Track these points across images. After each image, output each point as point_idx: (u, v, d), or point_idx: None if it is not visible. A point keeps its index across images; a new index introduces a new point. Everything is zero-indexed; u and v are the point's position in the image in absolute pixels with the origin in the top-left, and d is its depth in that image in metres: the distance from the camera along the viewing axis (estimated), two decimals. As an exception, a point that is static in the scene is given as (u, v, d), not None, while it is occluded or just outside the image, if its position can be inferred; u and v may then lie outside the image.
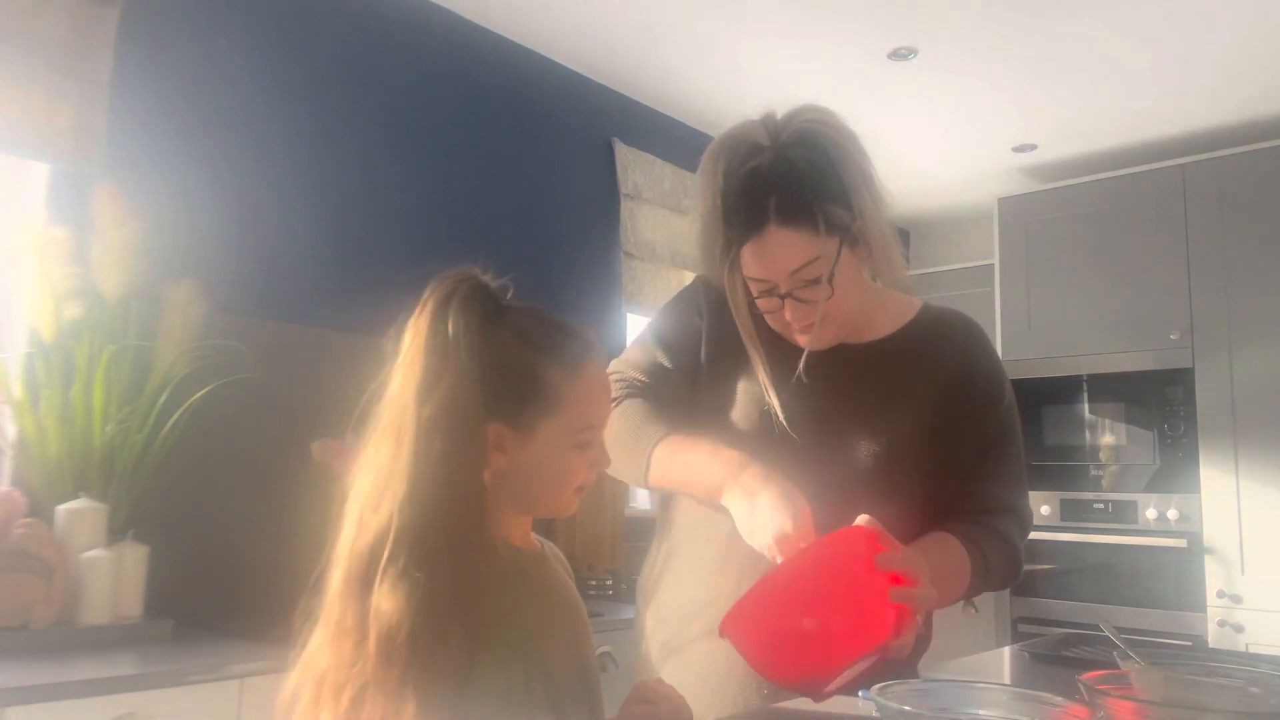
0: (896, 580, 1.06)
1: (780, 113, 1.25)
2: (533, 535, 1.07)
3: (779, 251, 1.20)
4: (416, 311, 0.95)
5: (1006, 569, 1.30)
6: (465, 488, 0.92)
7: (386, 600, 0.86)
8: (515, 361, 0.95)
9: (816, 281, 1.21)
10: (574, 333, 1.00)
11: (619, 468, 1.30)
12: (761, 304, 1.26)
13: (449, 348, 0.92)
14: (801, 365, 1.28)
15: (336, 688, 0.87)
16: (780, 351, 1.31)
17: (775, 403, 1.27)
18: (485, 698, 0.88)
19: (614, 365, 1.40)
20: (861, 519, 1.09)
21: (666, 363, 1.37)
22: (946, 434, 1.31)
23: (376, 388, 0.95)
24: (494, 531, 0.97)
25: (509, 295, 0.99)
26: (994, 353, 1.39)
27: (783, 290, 1.22)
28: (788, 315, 1.24)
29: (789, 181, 1.19)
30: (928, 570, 1.09)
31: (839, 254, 1.21)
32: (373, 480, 0.92)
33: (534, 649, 0.93)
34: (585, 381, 0.99)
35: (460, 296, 0.94)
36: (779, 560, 1.11)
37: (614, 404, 1.32)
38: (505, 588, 0.94)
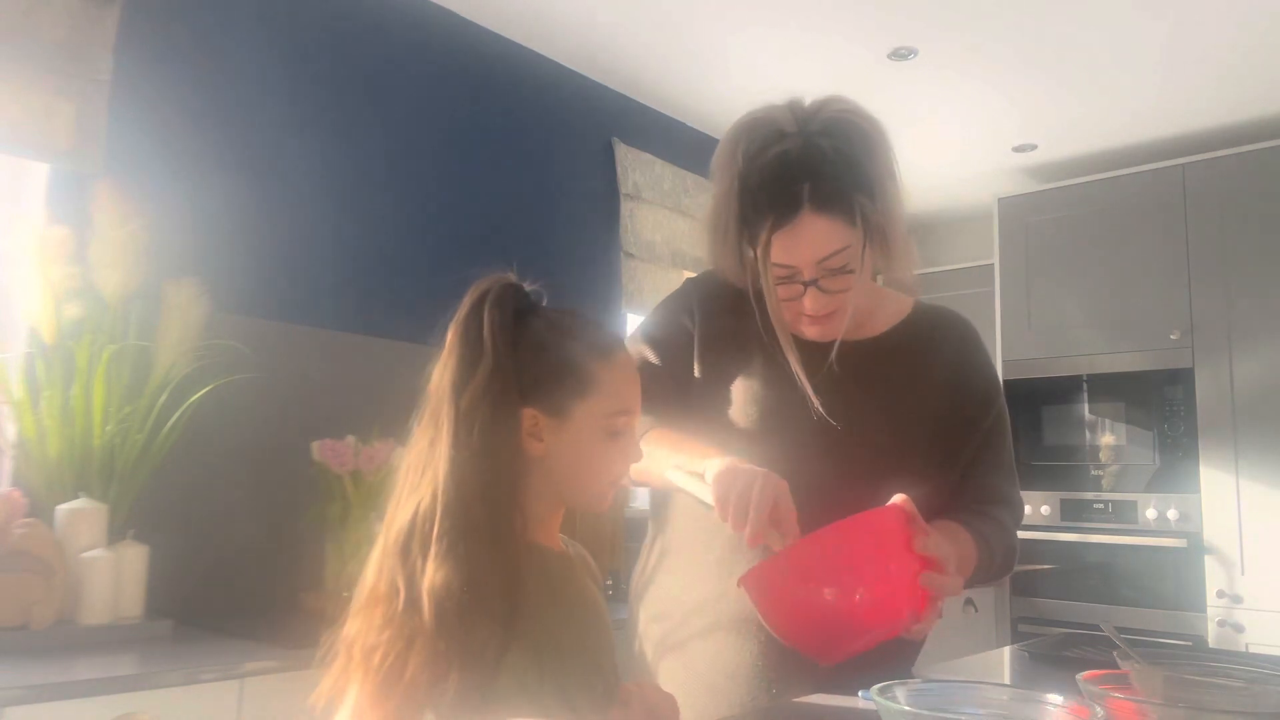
0: (927, 564, 1.06)
1: (807, 100, 1.24)
2: (559, 537, 1.08)
3: (811, 238, 1.18)
4: (456, 314, 1.01)
5: (1006, 558, 1.33)
6: (502, 469, 0.97)
7: (439, 571, 0.91)
8: (548, 348, 1.00)
9: (842, 271, 1.21)
10: (604, 326, 1.05)
11: None
12: (780, 291, 1.24)
13: (484, 341, 0.97)
14: (834, 355, 1.28)
15: (367, 651, 0.90)
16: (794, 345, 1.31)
17: (809, 391, 1.25)
18: (513, 682, 0.91)
19: None
20: (897, 497, 1.09)
21: (655, 360, 1.36)
22: (947, 429, 1.32)
23: (421, 388, 1.01)
24: (525, 530, 0.99)
25: (543, 301, 1.05)
26: (986, 350, 1.42)
27: (806, 278, 1.21)
28: (808, 304, 1.23)
29: (823, 169, 1.18)
30: (955, 559, 1.09)
31: (864, 245, 1.21)
32: (412, 465, 0.98)
33: (552, 649, 0.96)
34: (616, 366, 1.03)
35: (494, 294, 0.99)
36: (748, 534, 1.08)
37: None
38: (532, 584, 0.96)
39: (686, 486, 1.20)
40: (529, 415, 0.99)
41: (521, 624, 0.93)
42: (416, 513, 0.95)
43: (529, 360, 0.99)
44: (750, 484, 1.08)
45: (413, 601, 0.91)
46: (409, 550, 0.94)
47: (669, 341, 1.37)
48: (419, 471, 0.97)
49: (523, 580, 0.95)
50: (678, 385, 1.35)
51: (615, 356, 1.03)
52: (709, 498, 1.13)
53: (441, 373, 0.99)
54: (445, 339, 1.01)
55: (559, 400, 0.99)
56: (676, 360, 1.36)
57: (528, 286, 1.03)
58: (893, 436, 1.29)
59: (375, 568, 0.96)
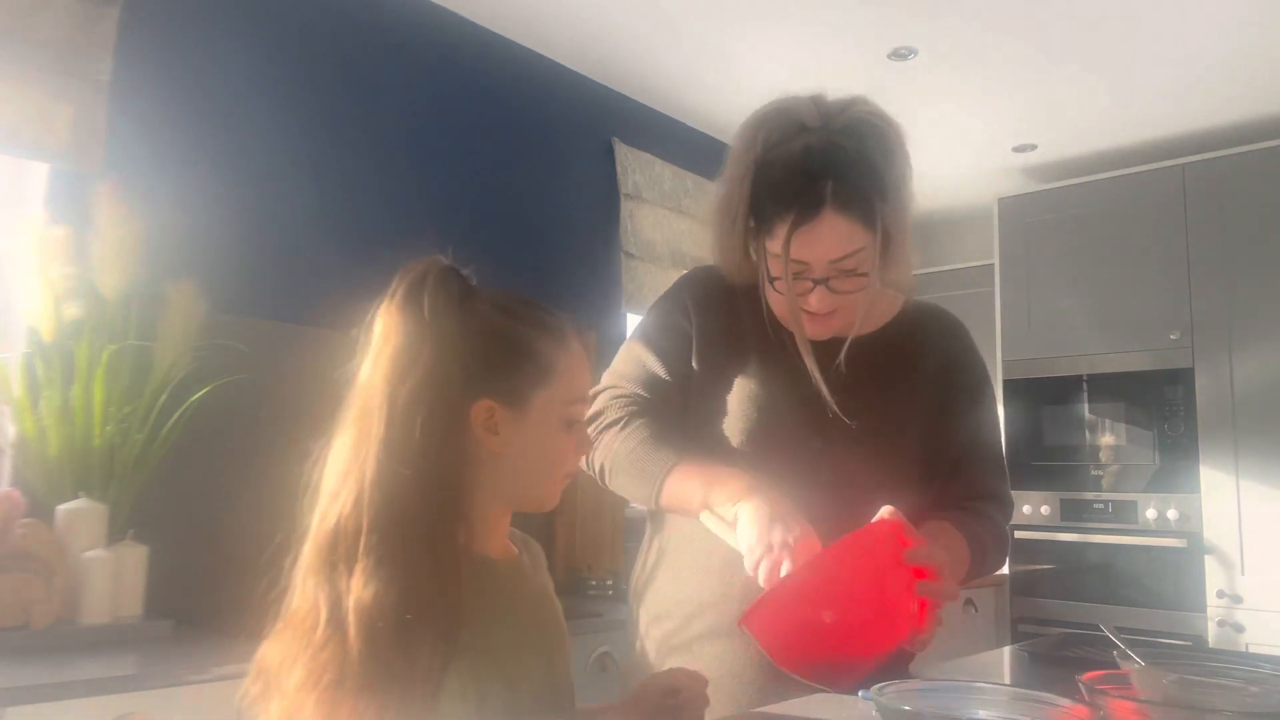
0: (921, 574, 1.06)
1: (830, 96, 1.23)
2: (510, 540, 1.03)
3: (830, 237, 1.17)
4: (387, 298, 0.92)
5: (998, 554, 1.33)
6: (446, 471, 0.88)
7: (367, 589, 0.82)
8: (501, 333, 0.93)
9: (852, 273, 1.20)
10: (548, 308, 0.99)
11: (630, 491, 1.30)
12: (784, 286, 1.23)
13: (425, 327, 0.89)
14: (844, 354, 1.27)
15: (294, 683, 0.81)
16: (780, 343, 1.31)
17: (825, 390, 1.24)
18: (456, 703, 0.85)
19: (608, 379, 1.38)
20: (885, 510, 1.09)
21: (663, 374, 1.35)
22: (938, 424, 1.33)
23: (342, 379, 0.92)
24: (471, 540, 0.92)
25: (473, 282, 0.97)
26: (975, 345, 1.42)
27: (816, 275, 1.20)
28: (813, 301, 1.22)
29: (847, 169, 1.17)
30: (949, 564, 1.09)
31: (877, 248, 1.21)
32: (333, 470, 0.89)
33: (498, 669, 0.90)
34: (571, 351, 0.97)
35: (434, 277, 0.91)
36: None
37: (618, 425, 1.30)
38: (478, 602, 0.89)
39: (722, 535, 1.21)
40: (484, 407, 0.91)
41: (464, 645, 0.85)
42: (339, 522, 0.85)
43: (480, 347, 0.90)
44: (772, 542, 1.10)
45: (337, 623, 0.82)
46: (333, 565, 0.84)
47: (672, 351, 1.35)
48: (343, 477, 0.87)
49: (466, 596, 0.86)
50: (670, 396, 1.35)
51: (569, 341, 0.97)
52: (740, 545, 1.14)
53: (373, 366, 0.89)
54: (370, 328, 0.92)
55: (518, 389, 0.92)
56: (681, 371, 1.35)
57: (462, 269, 0.95)
58: (887, 433, 1.30)
59: (299, 590, 0.86)
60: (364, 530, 0.84)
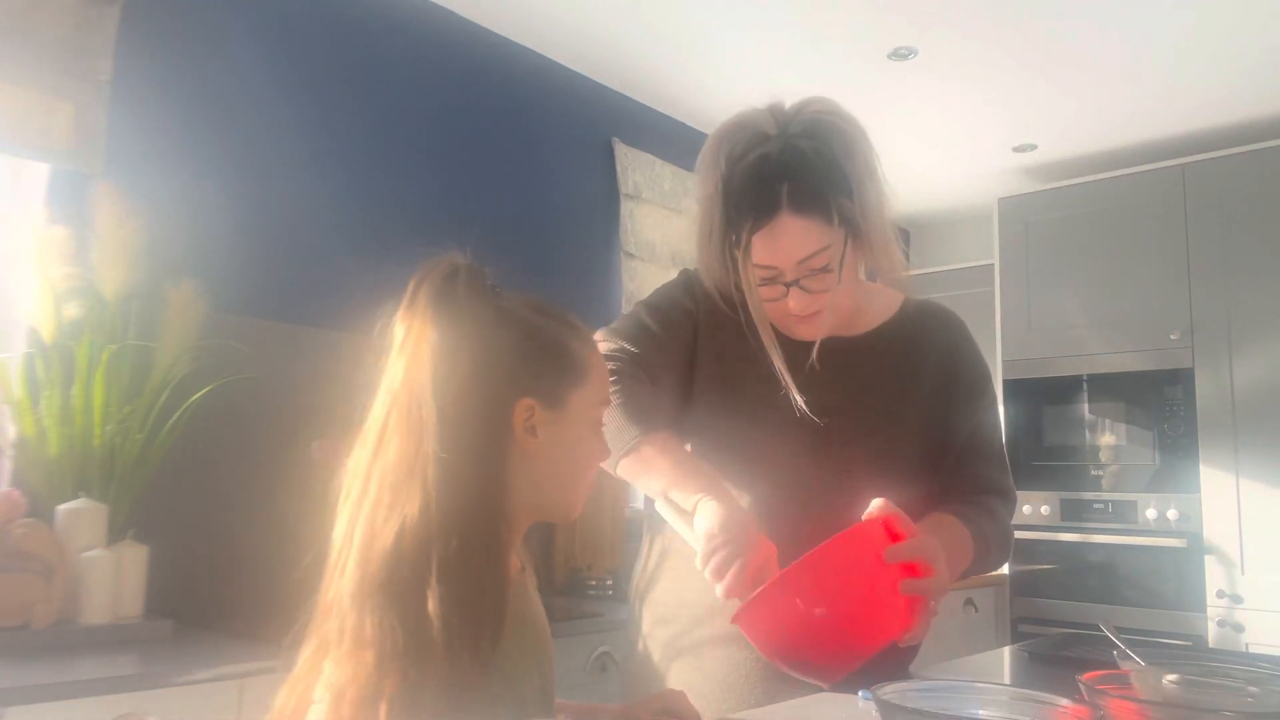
0: (910, 570, 1.06)
1: (787, 103, 1.25)
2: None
3: (790, 239, 1.19)
4: (407, 300, 0.88)
5: (1002, 547, 1.34)
6: (494, 474, 0.85)
7: (445, 600, 0.78)
8: (539, 331, 0.91)
9: (824, 270, 1.21)
10: (569, 312, 0.98)
11: None
12: (764, 292, 1.25)
13: (463, 326, 0.85)
14: (815, 354, 1.28)
15: (365, 702, 0.77)
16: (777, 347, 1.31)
17: (793, 388, 1.26)
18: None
19: (600, 333, 1.35)
20: (875, 504, 1.09)
21: (653, 326, 1.34)
22: (940, 421, 1.34)
23: (367, 387, 0.89)
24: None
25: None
26: (975, 342, 1.43)
27: (788, 278, 1.22)
28: (792, 304, 1.24)
29: (801, 170, 1.19)
30: (942, 554, 1.09)
31: (845, 245, 1.22)
32: (382, 481, 0.84)
33: (511, 688, 0.89)
34: (599, 353, 0.97)
35: (464, 275, 0.88)
36: (718, 587, 1.09)
37: None
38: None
39: (674, 525, 1.19)
40: (525, 406, 0.87)
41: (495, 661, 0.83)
42: (402, 532, 0.80)
43: (519, 346, 0.88)
44: (734, 555, 1.07)
45: (421, 639, 0.77)
46: (403, 579, 0.79)
47: (670, 313, 1.36)
48: (395, 490, 0.82)
49: (506, 610, 0.84)
50: (665, 355, 1.33)
51: (595, 342, 0.97)
52: (694, 540, 1.13)
53: (410, 369, 0.85)
54: (391, 329, 0.87)
55: (557, 389, 0.90)
56: (676, 332, 1.34)
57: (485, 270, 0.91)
58: (882, 432, 1.30)
59: (356, 608, 0.80)
60: (435, 538, 0.80)
